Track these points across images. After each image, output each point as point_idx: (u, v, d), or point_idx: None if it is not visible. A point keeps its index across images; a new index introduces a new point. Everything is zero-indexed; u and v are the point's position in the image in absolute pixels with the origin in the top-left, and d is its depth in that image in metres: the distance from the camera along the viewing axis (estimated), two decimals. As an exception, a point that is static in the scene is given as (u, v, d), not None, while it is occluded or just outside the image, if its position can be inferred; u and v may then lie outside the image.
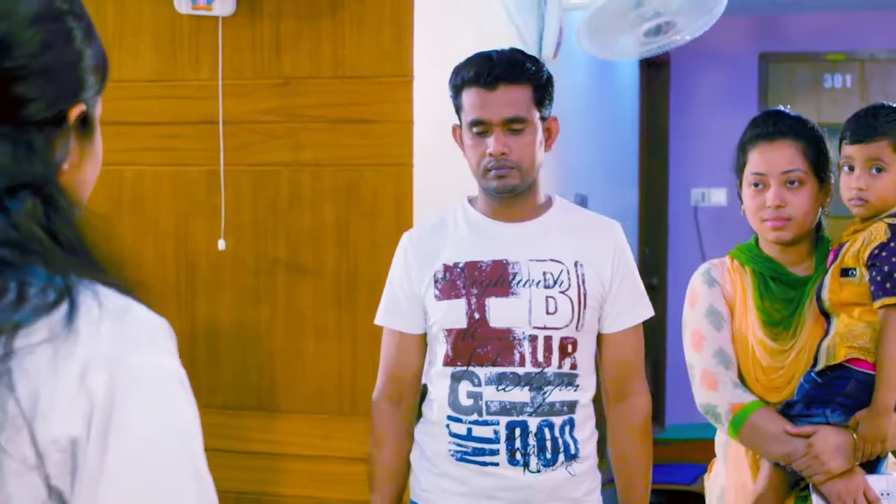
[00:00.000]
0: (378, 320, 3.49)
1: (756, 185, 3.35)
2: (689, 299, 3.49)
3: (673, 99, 9.33)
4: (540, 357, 3.27)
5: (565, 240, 3.36)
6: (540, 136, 3.32)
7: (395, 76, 4.17)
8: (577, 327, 3.30)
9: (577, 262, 3.32)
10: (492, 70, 3.27)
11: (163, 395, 1.42)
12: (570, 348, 3.30)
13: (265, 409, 4.37)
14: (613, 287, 3.35)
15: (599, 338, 3.41)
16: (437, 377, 3.39)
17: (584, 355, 3.34)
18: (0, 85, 1.44)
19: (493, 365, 3.27)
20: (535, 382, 3.27)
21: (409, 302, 3.41)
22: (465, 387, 3.32)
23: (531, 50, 5.41)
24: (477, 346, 3.29)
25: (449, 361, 3.33)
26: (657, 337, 8.34)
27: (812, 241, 3.43)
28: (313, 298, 4.31)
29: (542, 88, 3.31)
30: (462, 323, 3.30)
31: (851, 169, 3.30)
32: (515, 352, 3.27)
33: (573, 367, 3.30)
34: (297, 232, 4.32)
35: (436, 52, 4.35)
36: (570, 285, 3.30)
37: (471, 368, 3.30)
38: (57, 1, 1.52)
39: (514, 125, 3.26)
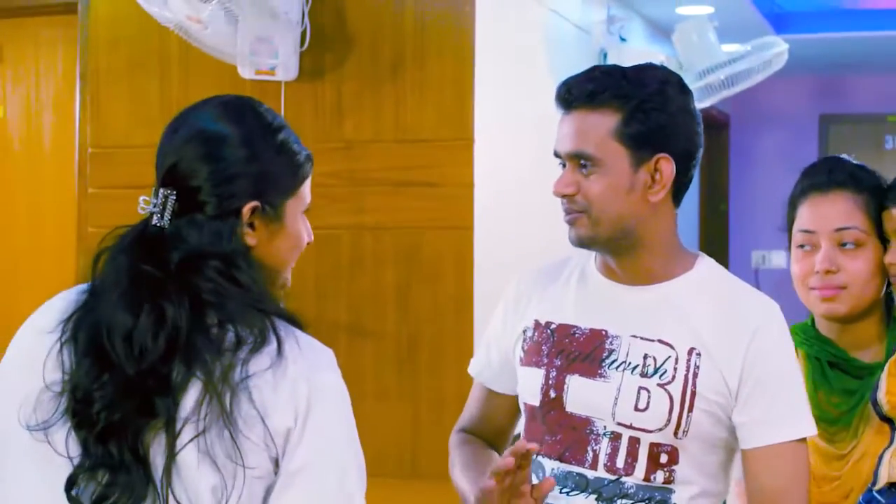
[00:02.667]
0: (469, 368, 2.84)
1: (803, 245, 2.76)
2: None
3: (733, 160, 9.33)
4: (619, 462, 2.49)
5: (686, 318, 2.52)
6: (630, 179, 2.48)
7: (456, 139, 4.19)
8: (676, 433, 2.46)
9: (692, 350, 2.48)
10: (570, 89, 2.52)
11: (338, 400, 2.09)
12: (664, 458, 2.48)
13: (326, 471, 4.36)
14: (744, 390, 2.47)
15: (742, 455, 2.53)
16: None
17: (694, 470, 2.50)
18: (186, 193, 2.10)
19: (560, 459, 2.54)
20: (606, 493, 2.50)
21: (501, 356, 2.73)
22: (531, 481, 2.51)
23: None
24: (546, 431, 2.57)
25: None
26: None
27: (882, 321, 2.78)
28: (374, 361, 4.32)
29: (638, 117, 2.47)
30: (535, 399, 2.59)
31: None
32: (589, 449, 2.51)
33: (668, 481, 2.48)
34: (358, 295, 4.33)
35: (497, 116, 4.37)
36: (674, 378, 2.47)
37: (538, 458, 2.57)
38: (218, 134, 2.13)
39: (581, 161, 2.49)
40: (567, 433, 2.53)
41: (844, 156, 2.87)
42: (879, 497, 2.57)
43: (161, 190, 2.11)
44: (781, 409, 2.48)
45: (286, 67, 4.28)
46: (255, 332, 2.02)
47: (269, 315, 2.06)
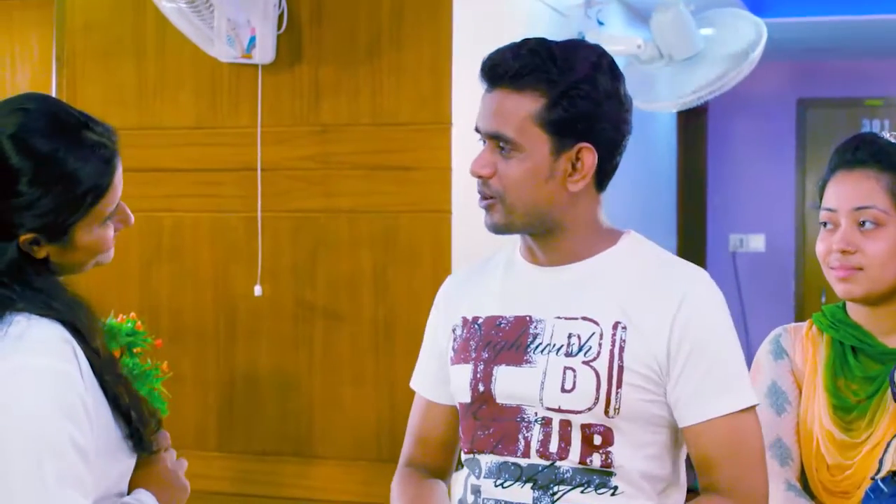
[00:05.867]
0: (411, 382, 2.77)
1: (825, 224, 2.63)
2: (752, 374, 2.64)
3: (710, 145, 9.33)
4: (552, 447, 2.38)
5: (609, 292, 2.41)
6: (549, 166, 2.38)
7: (434, 123, 4.19)
8: (606, 412, 2.35)
9: (617, 324, 2.37)
10: (495, 65, 2.42)
11: (19, 384, 2.05)
12: (597, 440, 2.36)
13: (303, 455, 4.37)
14: (676, 365, 2.36)
15: (682, 433, 2.43)
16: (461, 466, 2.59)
17: (634, 452, 2.39)
18: None
19: (493, 452, 2.44)
20: (542, 479, 2.39)
21: (438, 363, 2.62)
22: (470, 479, 2.49)
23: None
24: (479, 426, 2.47)
25: (462, 444, 2.55)
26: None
27: None
28: (351, 345, 4.31)
29: (562, 104, 2.36)
30: (465, 396, 2.49)
31: None
32: (520, 437, 2.41)
33: (606, 465, 2.36)
34: (334, 278, 4.33)
35: (474, 99, 4.35)
36: (598, 354, 2.36)
37: (475, 456, 2.47)
38: (11, 160, 2.12)
39: (500, 143, 2.41)
40: (498, 426, 2.43)
41: (884, 133, 2.70)
42: (883, 486, 2.51)
43: None
44: (715, 382, 2.36)
45: (263, 50, 4.27)
46: None
47: (13, 311, 2.12)
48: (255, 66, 4.34)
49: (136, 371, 3.56)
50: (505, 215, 2.42)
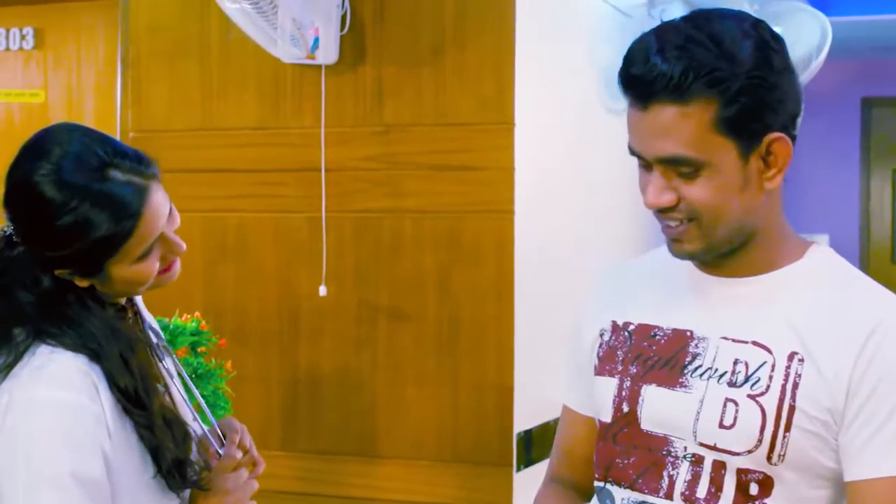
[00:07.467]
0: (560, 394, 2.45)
1: None
2: None
3: (774, 144, 9.29)
4: (699, 491, 2.05)
5: (788, 316, 2.06)
6: (742, 173, 2.04)
7: (497, 123, 4.18)
8: (769, 458, 2.01)
9: (793, 355, 2.02)
10: (642, 77, 2.00)
11: (36, 414, 2.10)
12: (753, 489, 2.02)
13: (366, 454, 4.37)
14: (852, 406, 1.98)
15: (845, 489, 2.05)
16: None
17: None
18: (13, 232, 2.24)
19: (632, 487, 2.13)
20: None
21: (580, 369, 2.31)
22: None
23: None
24: (618, 453, 2.16)
25: (595, 468, 2.24)
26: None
27: None
28: (414, 345, 4.31)
29: (739, 98, 1.98)
30: (606, 414, 2.19)
31: None
32: (665, 475, 2.09)
33: None
34: (398, 278, 4.33)
35: (537, 99, 4.35)
36: (768, 388, 2.01)
37: (607, 486, 2.18)
38: (43, 199, 2.14)
39: (679, 168, 2.02)
40: (642, 455, 2.12)
41: None
42: None
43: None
44: (892, 436, 1.97)
45: (326, 51, 4.28)
46: (9, 352, 2.18)
47: (35, 340, 2.17)
48: (319, 66, 4.35)
49: (200, 370, 3.59)
50: (702, 240, 2.07)
